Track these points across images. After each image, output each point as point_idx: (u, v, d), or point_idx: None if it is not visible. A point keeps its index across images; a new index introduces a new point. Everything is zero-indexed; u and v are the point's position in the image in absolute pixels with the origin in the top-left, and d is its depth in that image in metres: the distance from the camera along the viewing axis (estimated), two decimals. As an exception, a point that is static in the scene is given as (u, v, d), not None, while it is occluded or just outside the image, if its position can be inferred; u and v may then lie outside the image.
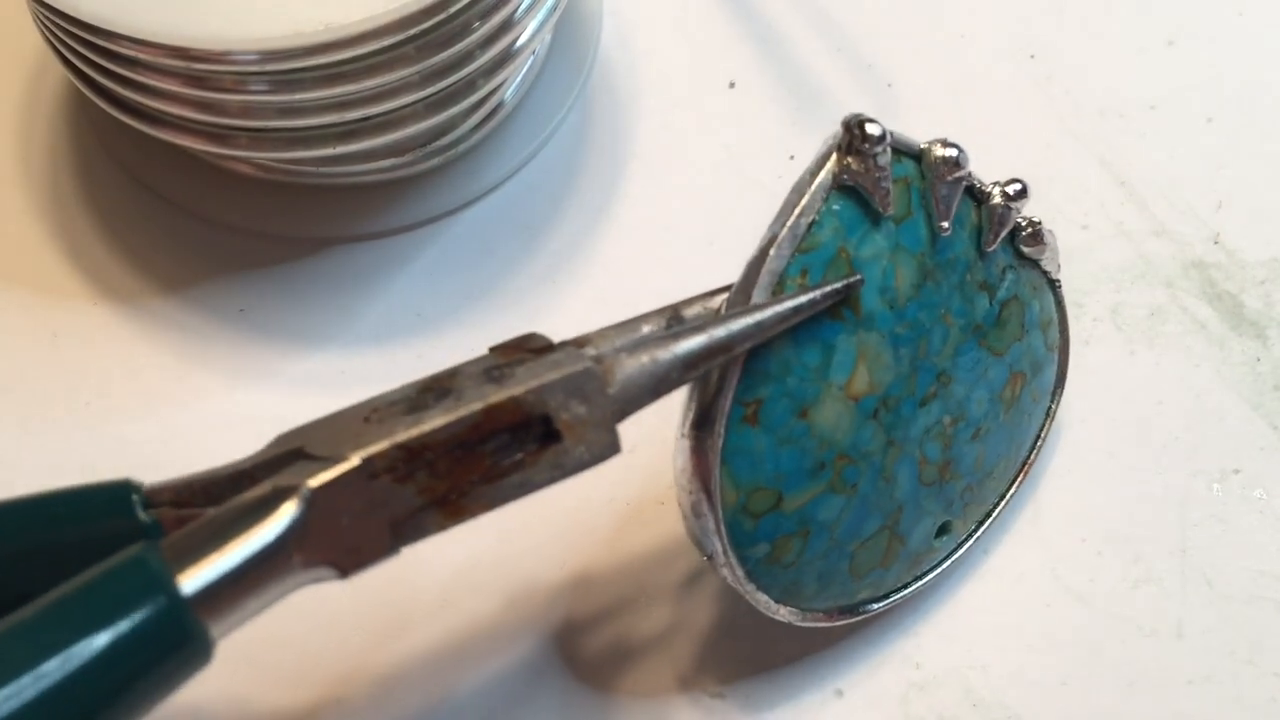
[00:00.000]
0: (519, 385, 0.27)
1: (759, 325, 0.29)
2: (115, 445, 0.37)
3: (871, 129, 0.29)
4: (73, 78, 0.37)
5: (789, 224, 0.30)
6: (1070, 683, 0.33)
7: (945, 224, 0.31)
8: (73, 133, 0.42)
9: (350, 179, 0.40)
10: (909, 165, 0.31)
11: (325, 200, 0.40)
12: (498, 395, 0.26)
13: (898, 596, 0.34)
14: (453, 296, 0.39)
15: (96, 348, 0.38)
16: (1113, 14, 0.44)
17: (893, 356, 0.31)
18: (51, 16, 0.34)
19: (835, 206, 0.30)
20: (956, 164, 0.31)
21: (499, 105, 0.40)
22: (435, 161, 0.40)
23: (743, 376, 0.30)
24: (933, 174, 0.31)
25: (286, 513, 0.24)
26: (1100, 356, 0.38)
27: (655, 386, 0.28)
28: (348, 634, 0.34)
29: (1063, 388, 0.36)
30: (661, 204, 0.41)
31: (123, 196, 0.41)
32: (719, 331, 0.29)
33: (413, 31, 0.33)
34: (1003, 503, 0.35)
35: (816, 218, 0.30)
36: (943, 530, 0.34)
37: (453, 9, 0.34)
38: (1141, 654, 0.34)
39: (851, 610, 0.33)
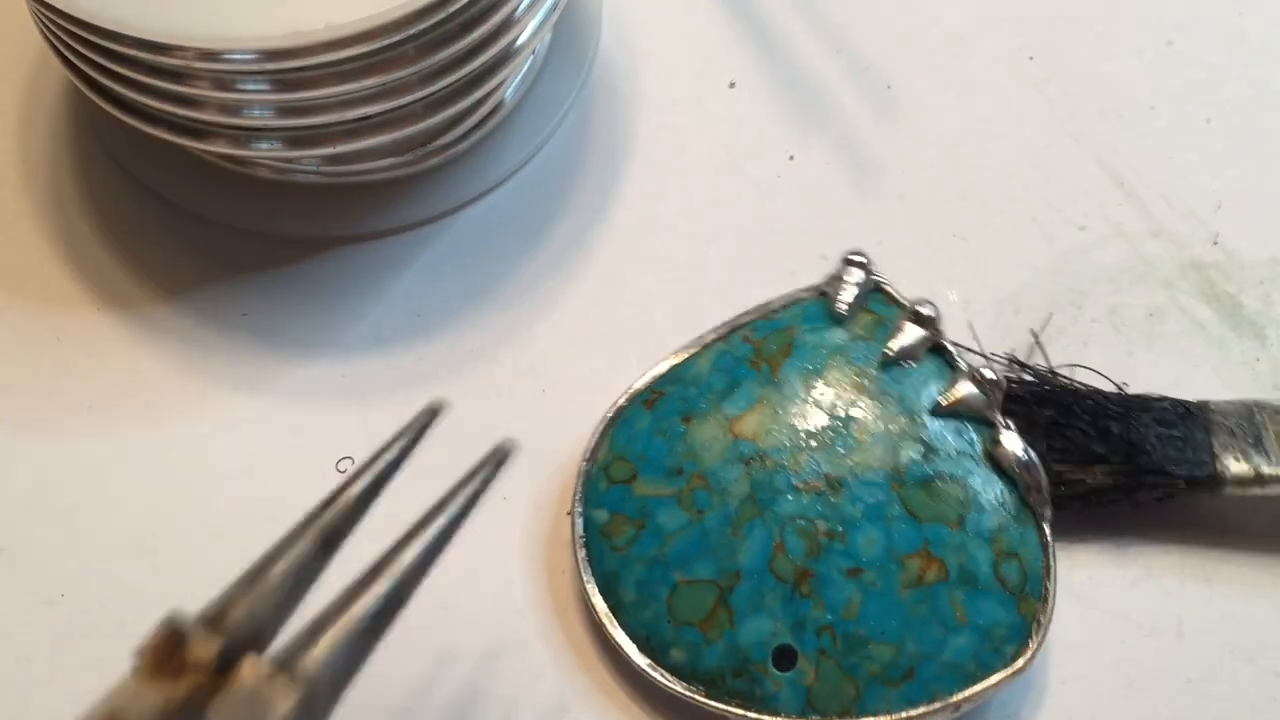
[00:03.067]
0: None
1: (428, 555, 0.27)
2: (117, 450, 0.37)
3: (854, 266, 0.35)
4: (72, 77, 0.37)
5: (759, 305, 0.36)
6: (1070, 683, 0.33)
7: (890, 349, 0.34)
8: (73, 132, 0.42)
9: (350, 178, 0.40)
10: (895, 309, 0.35)
11: (325, 200, 0.40)
12: None
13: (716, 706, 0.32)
14: (453, 296, 0.39)
15: (98, 353, 0.38)
16: (1112, 14, 0.44)
17: (788, 426, 0.33)
18: (51, 16, 0.34)
19: (807, 302, 0.36)
20: (917, 317, 0.34)
21: (499, 105, 0.40)
22: (435, 161, 0.40)
23: (666, 372, 0.35)
24: (903, 316, 0.35)
25: None
26: (1099, 357, 0.38)
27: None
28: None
29: (1028, 657, 0.31)
30: (661, 204, 0.41)
31: (123, 197, 0.41)
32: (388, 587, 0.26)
33: (413, 31, 0.33)
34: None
35: (786, 304, 0.36)
36: (785, 657, 0.31)
37: (453, 8, 0.34)
38: (1141, 654, 0.34)
39: (658, 657, 0.32)
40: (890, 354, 0.34)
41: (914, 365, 0.34)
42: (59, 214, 0.41)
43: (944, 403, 0.33)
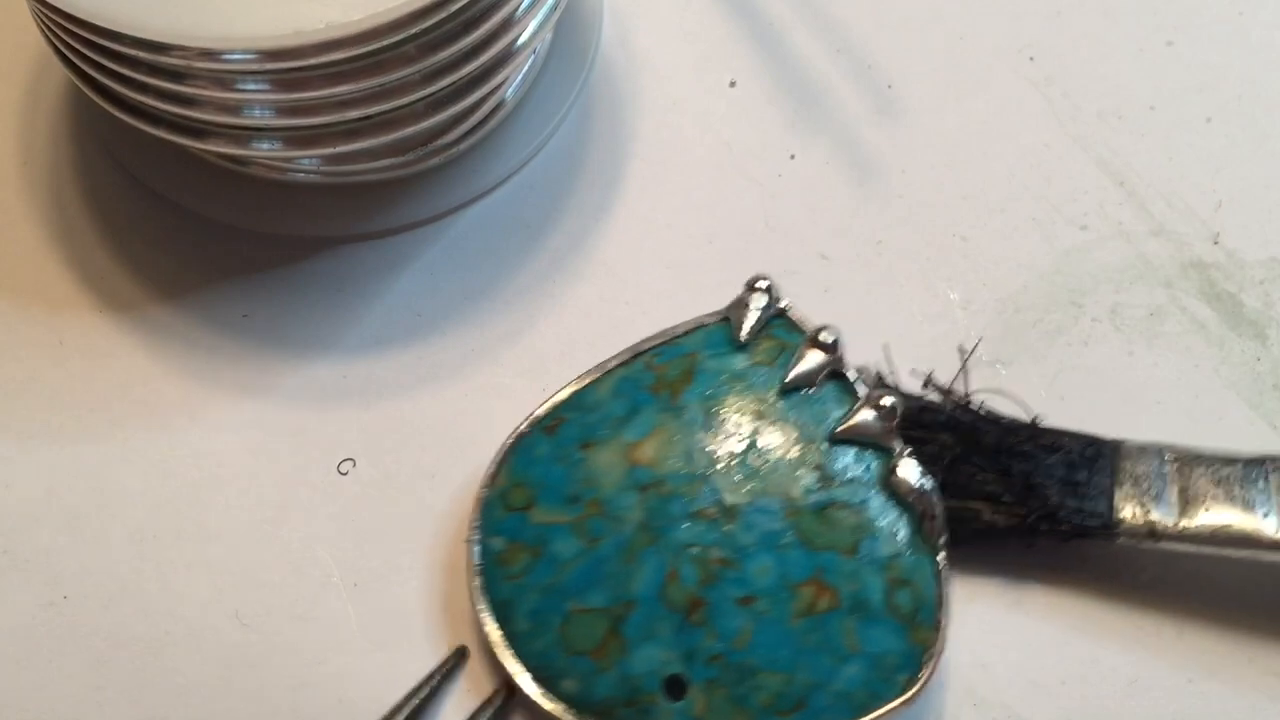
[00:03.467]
0: None
1: None
2: (118, 452, 0.37)
3: (757, 292, 0.35)
4: (73, 77, 0.37)
5: (664, 330, 0.35)
6: (1070, 682, 0.33)
7: (789, 376, 0.34)
8: (73, 133, 0.42)
9: (350, 178, 0.40)
10: (797, 335, 0.34)
11: (325, 199, 0.40)
12: None
13: None
14: (453, 296, 0.39)
15: (99, 354, 0.38)
16: (1112, 15, 0.44)
17: (685, 453, 0.33)
18: (51, 15, 0.34)
19: (711, 327, 0.35)
20: (818, 343, 0.34)
21: (499, 104, 0.40)
22: (435, 161, 0.40)
23: (568, 398, 0.34)
24: (804, 343, 0.34)
25: None
26: (1099, 357, 0.38)
27: None
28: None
29: (919, 686, 0.31)
30: (661, 204, 0.41)
31: (124, 197, 0.41)
32: None
33: (413, 30, 0.33)
34: None
35: (690, 330, 0.35)
36: (676, 687, 0.31)
37: (453, 8, 0.34)
38: (1141, 654, 0.34)
39: (551, 686, 0.32)
40: (789, 381, 0.33)
41: (814, 392, 0.33)
42: (59, 215, 0.41)
43: (841, 429, 0.33)
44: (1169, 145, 0.41)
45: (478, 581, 0.33)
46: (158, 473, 0.37)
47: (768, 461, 0.33)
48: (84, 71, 0.36)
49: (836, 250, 0.40)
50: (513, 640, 0.32)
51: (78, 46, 0.35)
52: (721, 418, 0.33)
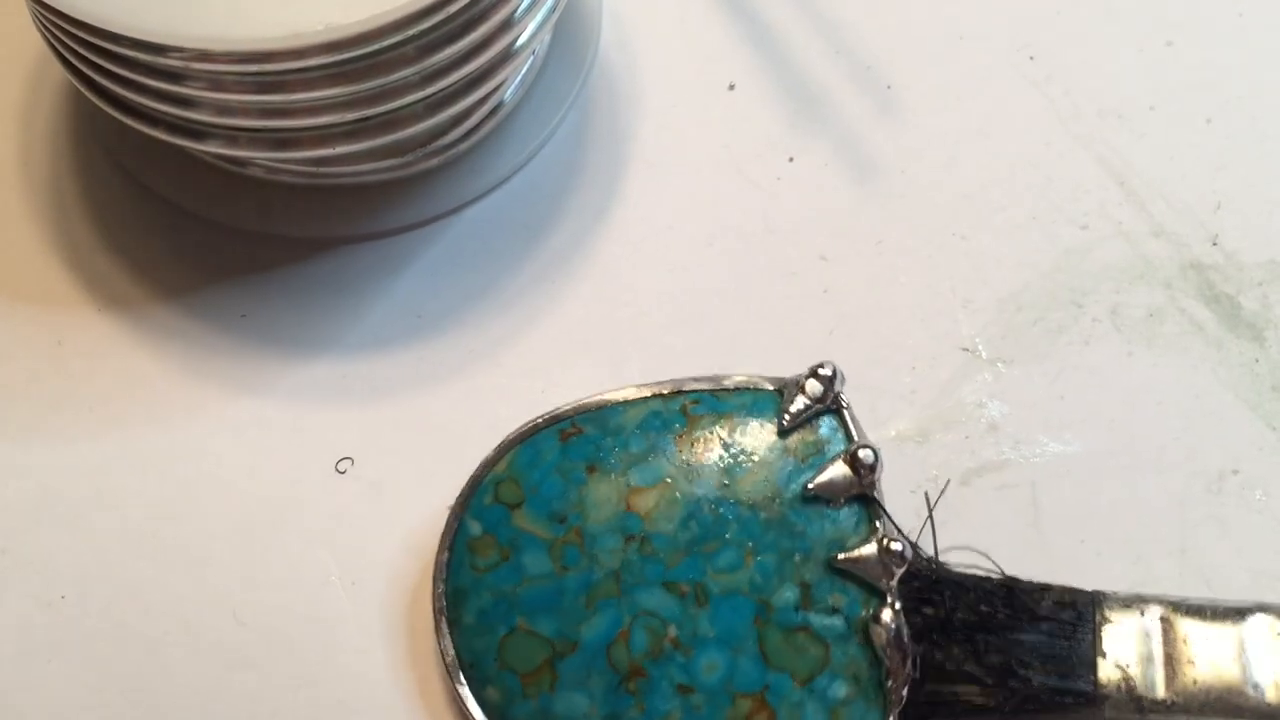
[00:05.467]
0: None
1: None
2: (117, 451, 0.37)
3: (815, 379, 0.33)
4: (72, 78, 0.37)
5: (714, 375, 0.34)
6: (1069, 683, 0.33)
7: (810, 485, 0.32)
8: (73, 134, 0.42)
9: (350, 179, 0.40)
10: (840, 438, 0.33)
11: (325, 200, 0.40)
12: None
13: None
14: (453, 296, 0.39)
15: (99, 354, 0.38)
16: (1112, 14, 0.44)
17: (681, 518, 0.32)
18: (51, 16, 0.34)
19: (761, 393, 0.34)
20: (854, 460, 0.32)
21: (499, 105, 0.40)
22: (435, 161, 0.40)
23: (595, 409, 0.34)
24: (841, 454, 0.33)
25: None
26: (1099, 357, 0.38)
27: None
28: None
29: None
30: (661, 204, 0.41)
31: (123, 198, 0.41)
32: None
33: (413, 31, 0.33)
34: None
35: (740, 387, 0.34)
36: None
37: (453, 9, 0.34)
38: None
39: (476, 687, 0.31)
40: (812, 489, 0.32)
41: (833, 508, 0.32)
42: (59, 215, 0.41)
43: (842, 558, 0.31)
44: (1169, 145, 0.41)
45: (444, 556, 0.33)
46: (158, 473, 0.37)
47: (758, 562, 0.31)
48: (83, 73, 0.36)
49: (836, 250, 0.40)
50: (455, 628, 0.32)
51: (77, 47, 0.35)
52: (731, 499, 0.32)
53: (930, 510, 0.34)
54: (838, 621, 0.31)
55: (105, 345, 0.38)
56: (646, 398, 0.34)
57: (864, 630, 0.31)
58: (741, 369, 0.35)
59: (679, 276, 0.39)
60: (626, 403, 0.34)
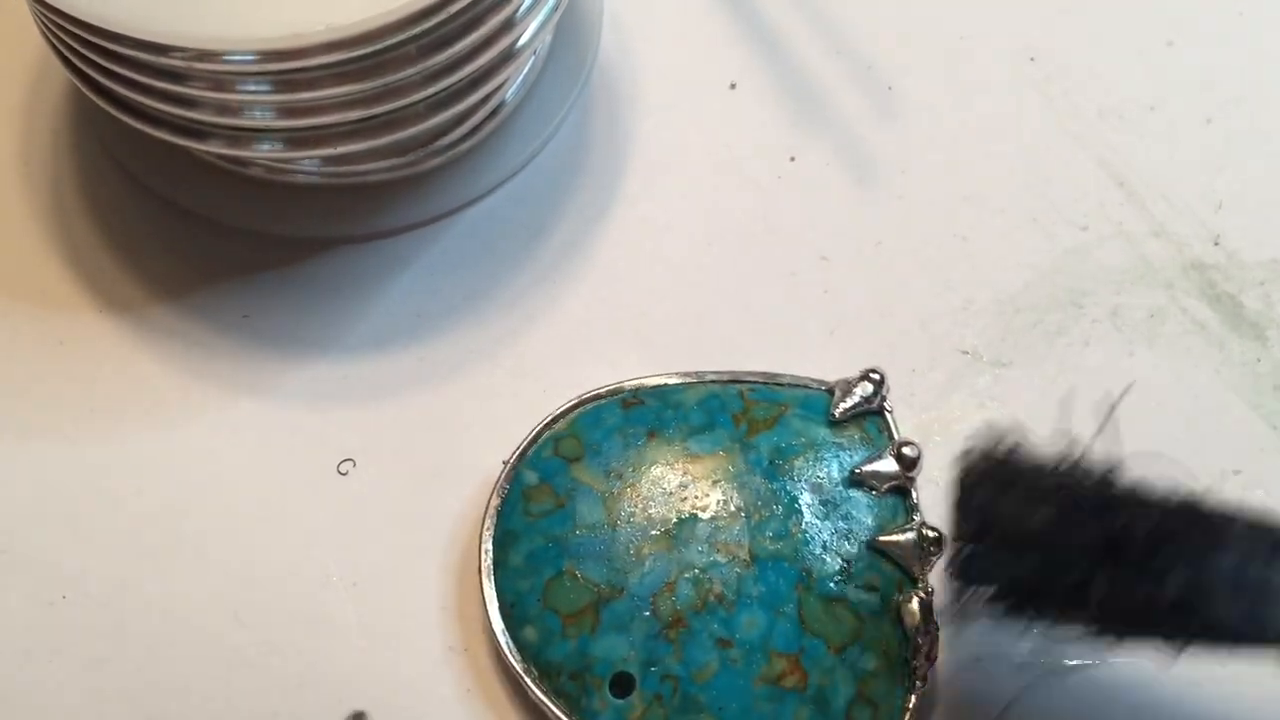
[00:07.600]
0: None
1: None
2: (118, 452, 0.37)
3: (866, 381, 0.35)
4: (73, 78, 0.37)
5: (768, 371, 0.36)
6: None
7: (858, 470, 0.34)
8: (73, 134, 0.42)
9: (351, 179, 0.40)
10: (884, 437, 0.35)
11: (326, 200, 0.40)
12: None
13: None
14: (453, 296, 0.39)
15: (100, 355, 0.38)
16: (1112, 15, 0.44)
17: (736, 486, 0.34)
18: (52, 16, 0.34)
19: (813, 391, 0.36)
20: (900, 454, 0.34)
21: (500, 105, 0.40)
22: (436, 161, 0.40)
23: (655, 388, 0.36)
24: (888, 448, 0.35)
25: None
26: (1100, 357, 0.38)
27: None
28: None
29: None
30: (661, 204, 0.41)
31: (124, 198, 0.41)
32: None
33: (414, 31, 0.33)
34: None
35: (793, 384, 0.36)
36: (623, 686, 0.32)
37: (454, 9, 0.34)
38: (1140, 653, 0.33)
39: (512, 626, 0.33)
40: (859, 473, 0.34)
41: (875, 494, 0.34)
42: (60, 216, 0.41)
43: (882, 539, 0.33)
44: (1169, 145, 0.41)
45: (496, 501, 0.34)
46: (158, 473, 0.37)
47: (805, 534, 0.33)
48: (84, 72, 0.36)
49: (836, 250, 0.40)
50: (500, 570, 0.33)
51: (78, 47, 0.35)
52: (783, 473, 0.34)
53: (1113, 408, 0.32)
54: (874, 598, 0.33)
55: (106, 345, 0.38)
56: (705, 382, 0.36)
57: (896, 611, 0.32)
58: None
59: (679, 276, 0.39)
60: (686, 385, 0.36)
